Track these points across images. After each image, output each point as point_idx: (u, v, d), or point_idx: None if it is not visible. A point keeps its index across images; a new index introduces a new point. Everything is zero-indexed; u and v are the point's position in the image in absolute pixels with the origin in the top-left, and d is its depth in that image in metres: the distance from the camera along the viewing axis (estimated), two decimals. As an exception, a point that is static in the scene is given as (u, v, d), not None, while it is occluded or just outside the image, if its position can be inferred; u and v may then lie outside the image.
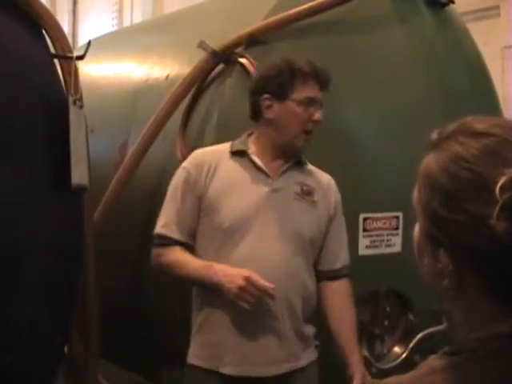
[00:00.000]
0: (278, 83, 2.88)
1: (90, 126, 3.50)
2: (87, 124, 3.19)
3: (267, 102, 2.90)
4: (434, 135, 1.28)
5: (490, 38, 6.53)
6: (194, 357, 2.94)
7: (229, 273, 2.72)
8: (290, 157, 2.95)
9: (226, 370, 2.83)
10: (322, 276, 3.01)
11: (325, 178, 3.04)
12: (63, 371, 3.46)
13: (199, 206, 2.90)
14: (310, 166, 3.05)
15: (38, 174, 2.92)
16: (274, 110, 2.89)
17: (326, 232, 2.99)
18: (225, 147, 3.01)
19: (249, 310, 2.71)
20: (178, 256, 2.91)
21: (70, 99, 3.03)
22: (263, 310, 2.79)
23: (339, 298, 2.99)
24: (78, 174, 2.96)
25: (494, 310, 1.18)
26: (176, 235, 2.93)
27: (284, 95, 2.87)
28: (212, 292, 2.81)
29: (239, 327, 2.82)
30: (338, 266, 3.01)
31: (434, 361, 1.20)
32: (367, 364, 3.70)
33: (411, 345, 3.82)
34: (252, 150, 2.95)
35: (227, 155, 2.96)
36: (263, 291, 2.67)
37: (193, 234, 2.93)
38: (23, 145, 2.85)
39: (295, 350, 2.89)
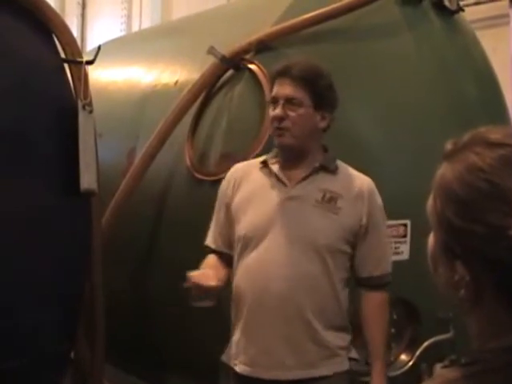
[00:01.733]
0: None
1: (98, 131, 3.51)
2: (96, 129, 3.20)
3: None
4: (449, 145, 1.27)
5: (499, 45, 6.52)
6: (224, 354, 3.03)
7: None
8: (306, 163, 2.92)
9: (239, 369, 2.91)
10: (360, 283, 3.01)
11: (358, 184, 2.95)
12: (70, 376, 3.47)
13: (229, 216, 3.02)
14: (347, 171, 3.00)
15: (48, 178, 2.92)
16: None
17: (359, 240, 2.92)
18: (261, 158, 3.07)
19: (260, 315, 2.83)
20: (205, 262, 3.02)
21: (80, 104, 3.04)
22: (273, 315, 2.83)
23: (372, 307, 2.97)
24: (87, 179, 2.97)
25: (510, 322, 1.17)
26: (211, 244, 3.10)
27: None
28: (234, 295, 2.94)
29: (251, 330, 2.89)
30: (378, 273, 2.97)
31: (447, 372, 1.19)
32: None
33: (418, 352, 3.80)
34: (276, 159, 2.99)
35: (258, 166, 3.01)
36: (201, 286, 2.74)
37: (229, 243, 3.04)
38: (33, 149, 2.86)
39: (311, 358, 2.86)
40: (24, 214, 2.79)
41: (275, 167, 2.95)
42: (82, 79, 3.13)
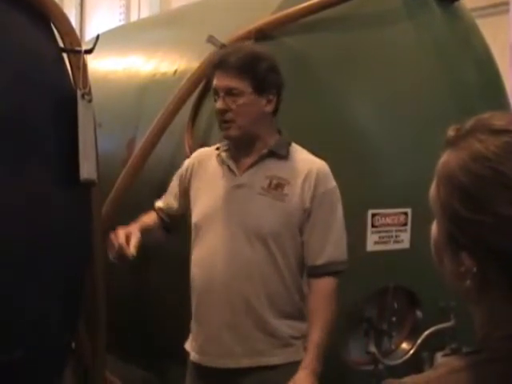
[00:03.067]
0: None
1: (98, 121, 3.50)
2: (95, 119, 3.19)
3: None
4: (451, 132, 1.25)
5: (498, 34, 6.51)
6: (187, 341, 3.06)
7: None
8: (255, 149, 2.91)
9: (192, 357, 2.96)
10: (307, 272, 2.92)
11: (307, 168, 2.87)
12: (71, 367, 3.47)
13: (185, 197, 3.10)
14: (299, 156, 2.94)
15: (47, 168, 2.92)
16: None
17: (305, 226, 2.86)
18: (217, 144, 3.10)
19: (207, 303, 2.88)
20: (142, 217, 3.17)
21: (79, 93, 3.03)
22: (219, 304, 2.85)
23: (315, 298, 2.85)
24: (87, 169, 2.96)
25: None
26: (158, 203, 3.24)
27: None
28: (190, 283, 3.01)
29: (200, 318, 2.94)
30: (320, 262, 2.85)
31: (453, 360, 1.18)
32: (375, 360, 3.70)
33: (419, 341, 3.81)
34: (227, 147, 3.00)
35: (214, 154, 3.03)
36: (120, 248, 2.86)
37: (168, 214, 3.19)
38: (32, 139, 2.85)
39: (259, 346, 2.84)
40: (23, 203, 2.78)
41: (225, 155, 2.95)
42: (81, 68, 3.12)
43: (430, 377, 1.20)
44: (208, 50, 3.80)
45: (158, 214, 3.20)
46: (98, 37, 3.29)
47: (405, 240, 3.80)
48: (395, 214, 3.76)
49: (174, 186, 3.18)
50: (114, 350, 3.98)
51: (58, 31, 3.16)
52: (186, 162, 3.14)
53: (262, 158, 2.90)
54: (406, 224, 3.78)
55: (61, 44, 3.18)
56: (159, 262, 4.08)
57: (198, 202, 2.99)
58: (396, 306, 3.80)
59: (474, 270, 1.17)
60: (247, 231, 2.84)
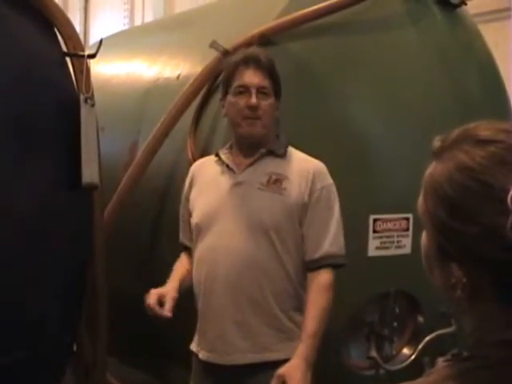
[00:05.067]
0: (222, 82, 3.05)
1: (100, 125, 3.51)
2: (98, 123, 3.20)
3: (222, 102, 3.06)
4: (437, 142, 1.24)
5: (500, 39, 6.52)
6: (192, 342, 3.07)
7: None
8: (257, 148, 2.94)
9: (201, 355, 2.97)
10: (306, 267, 2.92)
11: (305, 166, 2.93)
12: (72, 368, 3.48)
13: (189, 211, 3.09)
14: (297, 156, 2.99)
15: (50, 172, 2.92)
16: (225, 107, 3.01)
17: (303, 220, 2.89)
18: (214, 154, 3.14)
19: (212, 301, 2.89)
20: (175, 264, 3.14)
21: (82, 97, 3.04)
22: (224, 301, 2.86)
23: (312, 289, 2.85)
24: (89, 173, 2.97)
25: (506, 319, 1.17)
26: (181, 239, 3.20)
27: (226, 91, 2.99)
28: (193, 283, 3.00)
29: (206, 316, 2.95)
30: (317, 255, 2.87)
31: (444, 367, 1.19)
32: (376, 365, 3.70)
33: (420, 346, 3.81)
34: (228, 150, 3.04)
35: (213, 160, 3.07)
36: (151, 310, 2.87)
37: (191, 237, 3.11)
38: (35, 143, 2.86)
39: (266, 341, 2.86)
40: (26, 207, 2.79)
41: (226, 157, 2.99)
42: (84, 73, 3.13)
43: (421, 383, 1.20)
44: (211, 55, 3.81)
45: (187, 252, 3.17)
46: (101, 41, 3.30)
47: (406, 245, 3.80)
48: (397, 220, 3.76)
49: (183, 213, 3.16)
50: (115, 351, 3.98)
51: (62, 36, 3.18)
52: (186, 180, 3.16)
53: (260, 157, 2.94)
54: (407, 229, 3.79)
55: (64, 48, 3.19)
56: (163, 264, 4.09)
57: (198, 203, 3.01)
58: (397, 311, 3.80)
59: (464, 280, 1.17)
60: (249, 226, 2.86)
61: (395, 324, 3.81)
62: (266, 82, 2.90)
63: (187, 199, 3.10)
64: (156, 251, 4.12)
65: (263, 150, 2.93)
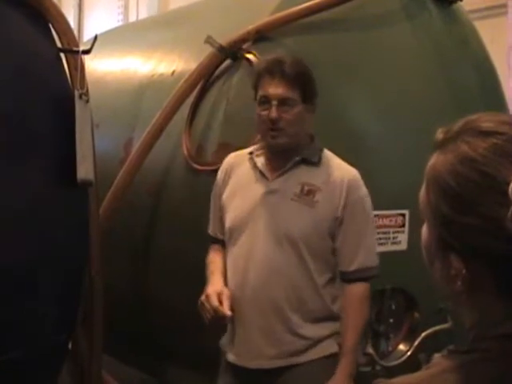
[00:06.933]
0: (253, 88, 2.99)
1: (95, 122, 3.50)
2: (93, 119, 3.19)
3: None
4: (440, 134, 1.24)
5: (496, 36, 6.51)
6: (222, 338, 3.09)
7: (208, 287, 2.91)
8: (290, 156, 2.92)
9: (228, 357, 3.00)
10: (340, 276, 2.98)
11: (339, 176, 2.91)
12: (67, 366, 3.46)
13: (221, 206, 3.08)
14: (331, 162, 2.97)
15: (44, 168, 2.91)
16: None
17: (337, 233, 2.90)
18: (249, 149, 3.09)
19: (240, 307, 2.89)
20: (210, 256, 3.12)
21: (76, 93, 3.02)
22: (250, 308, 2.89)
23: (348, 303, 2.92)
24: (84, 169, 2.95)
25: (506, 312, 1.16)
26: (211, 232, 3.18)
27: (255, 98, 2.95)
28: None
29: (234, 321, 2.95)
30: (352, 268, 2.91)
31: (444, 360, 1.18)
32: (372, 361, 3.70)
33: (416, 343, 3.81)
34: (262, 151, 3.00)
35: (247, 157, 3.03)
36: (216, 311, 2.79)
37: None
38: (29, 139, 2.84)
39: (290, 348, 2.89)
40: (20, 203, 2.78)
41: (259, 160, 2.96)
42: (79, 69, 3.11)
43: (420, 377, 1.20)
44: (206, 51, 3.80)
45: (220, 245, 3.13)
46: (95, 37, 3.29)
47: (402, 241, 3.80)
48: (393, 216, 3.76)
49: (214, 205, 3.14)
50: (111, 350, 3.97)
51: (56, 31, 3.16)
52: (220, 171, 3.12)
53: (294, 165, 2.92)
54: (403, 225, 3.78)
55: (58, 44, 3.18)
56: (159, 262, 4.08)
57: (231, 206, 3.00)
58: (393, 307, 3.80)
59: (464, 271, 1.17)
60: (279, 236, 2.87)
61: (391, 320, 3.81)
62: (289, 93, 2.84)
63: (219, 196, 3.07)
64: (151, 247, 4.12)
65: (297, 158, 2.90)
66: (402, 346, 3.89)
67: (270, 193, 2.91)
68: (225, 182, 3.06)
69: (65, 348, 3.23)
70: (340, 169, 2.95)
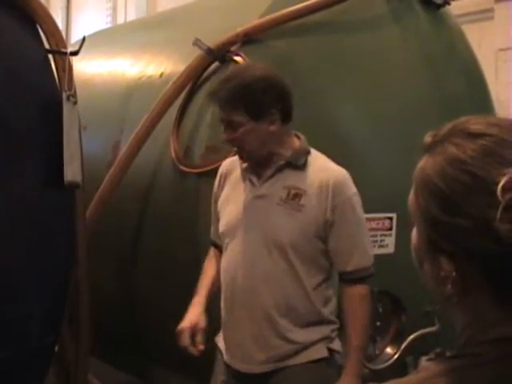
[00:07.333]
0: None
1: (83, 124, 3.49)
2: (80, 121, 3.18)
3: None
4: (428, 138, 1.24)
5: (484, 40, 6.53)
6: (217, 335, 3.11)
7: (186, 316, 2.99)
8: (270, 162, 2.91)
9: (225, 356, 3.02)
10: (339, 278, 2.98)
11: (325, 178, 2.87)
12: (54, 369, 3.45)
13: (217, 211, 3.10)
14: (317, 164, 2.94)
15: (31, 170, 2.90)
16: None
17: (328, 235, 2.88)
18: None
19: (231, 312, 2.94)
20: (205, 264, 3.19)
21: (64, 95, 3.01)
22: (241, 313, 2.91)
23: (349, 303, 2.93)
24: (71, 171, 2.95)
25: (498, 315, 1.16)
26: (211, 236, 3.21)
27: None
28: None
29: (226, 325, 2.99)
30: (349, 269, 2.90)
31: (434, 364, 1.18)
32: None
33: (403, 346, 3.82)
34: None
35: (239, 163, 3.03)
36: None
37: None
38: (16, 141, 2.83)
39: (280, 353, 2.90)
40: (7, 206, 2.77)
41: (246, 167, 2.97)
42: (67, 70, 3.10)
43: (411, 381, 1.19)
44: (194, 53, 3.80)
45: (218, 250, 3.17)
46: (83, 39, 3.28)
47: (389, 244, 3.81)
48: (380, 219, 3.76)
49: (213, 210, 3.15)
50: (97, 352, 3.96)
51: (44, 32, 3.15)
52: (217, 175, 3.14)
53: (279, 169, 2.91)
54: (390, 229, 3.79)
55: (46, 45, 3.17)
56: (146, 264, 4.07)
57: (225, 211, 3.02)
58: (380, 310, 3.81)
59: (454, 274, 1.17)
60: (266, 242, 2.87)
61: (378, 323, 3.81)
62: (232, 116, 2.83)
63: (216, 200, 3.10)
64: (139, 250, 4.11)
65: (281, 163, 2.89)
66: (389, 349, 3.90)
67: (257, 198, 2.91)
68: (220, 187, 3.08)
69: (51, 350, 3.22)
70: (326, 170, 2.92)
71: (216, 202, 3.09)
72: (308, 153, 2.95)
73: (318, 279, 2.92)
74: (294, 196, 2.86)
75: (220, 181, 3.09)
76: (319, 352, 2.92)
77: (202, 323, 2.93)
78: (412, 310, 3.83)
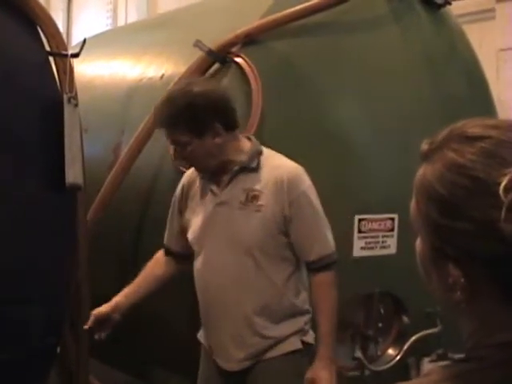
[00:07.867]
0: None
1: (84, 126, 3.49)
2: (81, 123, 3.18)
3: None
4: (425, 146, 1.23)
5: (485, 40, 6.53)
6: (199, 333, 3.19)
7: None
8: (226, 170, 2.98)
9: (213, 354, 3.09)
10: (306, 268, 3.05)
11: (278, 175, 2.93)
12: (55, 370, 3.45)
13: (181, 222, 3.17)
14: (270, 163, 2.99)
15: (33, 172, 2.90)
16: None
17: (289, 229, 2.94)
18: None
19: (209, 316, 3.06)
20: (147, 264, 3.31)
21: (65, 97, 3.02)
22: (219, 317, 3.01)
23: (316, 291, 3.01)
24: (72, 173, 2.95)
25: (505, 319, 1.15)
26: (166, 243, 3.28)
27: None
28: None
29: (206, 326, 3.11)
30: (312, 258, 2.97)
31: (442, 368, 1.17)
32: (361, 366, 3.70)
33: (405, 347, 3.81)
34: None
35: (199, 174, 3.12)
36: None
37: (181, 244, 3.20)
38: (18, 143, 2.83)
39: (258, 349, 2.99)
40: (9, 207, 2.77)
41: (205, 176, 3.05)
42: (68, 72, 3.10)
43: (421, 383, 1.19)
44: (195, 55, 3.79)
45: (168, 255, 3.27)
46: (84, 41, 3.28)
47: (391, 245, 3.80)
48: (382, 220, 3.76)
49: (171, 218, 3.23)
50: (98, 353, 3.96)
51: (45, 35, 3.15)
52: (179, 186, 3.20)
53: (235, 175, 2.98)
54: (392, 229, 3.79)
55: (47, 48, 3.17)
56: (143, 265, 4.07)
57: (191, 223, 3.09)
58: (382, 311, 3.80)
59: (462, 280, 1.15)
60: (232, 246, 2.95)
61: (380, 324, 3.81)
62: (175, 137, 2.93)
63: (180, 211, 3.16)
64: (139, 252, 4.10)
65: (236, 168, 2.96)
66: (390, 351, 3.89)
67: (219, 205, 2.98)
68: (184, 197, 3.14)
69: (53, 351, 3.22)
70: (279, 167, 2.97)
71: (178, 212, 3.17)
72: (260, 153, 3.02)
73: (287, 272, 3.00)
74: (253, 198, 2.95)
75: (182, 190, 3.15)
76: (293, 344, 3.01)
77: (97, 312, 3.08)
78: (414, 311, 3.83)
